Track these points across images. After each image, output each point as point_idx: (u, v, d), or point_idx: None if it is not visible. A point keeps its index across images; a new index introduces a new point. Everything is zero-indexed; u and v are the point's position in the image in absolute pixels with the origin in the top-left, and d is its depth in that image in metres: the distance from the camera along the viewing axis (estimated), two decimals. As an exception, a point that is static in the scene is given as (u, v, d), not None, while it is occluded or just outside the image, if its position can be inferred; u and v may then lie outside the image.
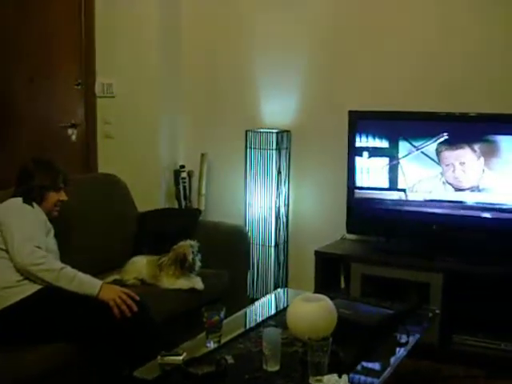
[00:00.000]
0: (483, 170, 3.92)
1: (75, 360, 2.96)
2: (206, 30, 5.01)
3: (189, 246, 3.69)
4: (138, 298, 3.12)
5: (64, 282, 3.03)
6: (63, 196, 3.47)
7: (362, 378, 2.65)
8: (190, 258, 3.65)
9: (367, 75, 4.48)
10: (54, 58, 5.29)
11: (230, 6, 4.91)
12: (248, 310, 3.37)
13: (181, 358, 2.57)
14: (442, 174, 4.04)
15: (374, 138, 4.21)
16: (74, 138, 5.25)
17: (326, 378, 2.38)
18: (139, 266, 3.75)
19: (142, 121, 4.99)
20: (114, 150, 5.10)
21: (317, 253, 4.25)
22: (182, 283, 3.65)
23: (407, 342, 2.90)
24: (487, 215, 3.93)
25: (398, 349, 2.87)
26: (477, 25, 4.15)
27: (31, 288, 3.05)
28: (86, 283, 3.07)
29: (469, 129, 3.99)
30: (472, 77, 4.17)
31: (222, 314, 2.81)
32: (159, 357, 2.58)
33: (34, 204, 3.32)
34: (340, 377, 2.37)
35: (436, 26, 4.26)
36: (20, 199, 3.29)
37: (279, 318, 3.08)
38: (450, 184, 4.03)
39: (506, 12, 4.06)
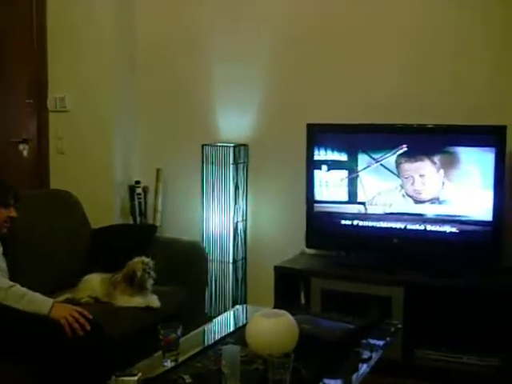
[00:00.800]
0: (443, 182, 3.90)
1: (31, 381, 2.83)
2: (161, 43, 4.95)
3: (140, 263, 3.58)
4: (90, 316, 3.03)
5: (13, 300, 2.93)
6: (13, 212, 3.36)
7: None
8: (139, 274, 3.55)
9: (326, 88, 4.46)
10: (6, 73, 5.18)
11: (187, 18, 4.85)
12: (206, 327, 3.28)
13: (136, 378, 2.45)
14: (401, 186, 4.01)
15: (333, 151, 4.17)
16: (25, 153, 5.14)
17: (287, 396, 2.29)
18: (93, 283, 3.64)
19: (95, 136, 4.90)
20: (67, 166, 5.00)
21: (276, 268, 4.18)
22: (137, 301, 3.54)
23: (370, 358, 2.83)
24: (448, 227, 3.90)
25: (360, 365, 2.80)
26: (438, 39, 4.15)
27: (-23, 307, 2.93)
28: (36, 301, 2.97)
29: (428, 141, 3.98)
30: (431, 89, 4.17)
31: (179, 332, 2.71)
32: (113, 377, 2.47)
33: (-17, 221, 3.21)
34: (303, 394, 2.29)
35: (397, 40, 4.25)
36: (-33, 216, 3.17)
37: (238, 335, 2.98)
38: (410, 196, 4.00)
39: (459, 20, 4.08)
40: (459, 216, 3.88)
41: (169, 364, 2.66)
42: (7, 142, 5.16)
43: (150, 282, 3.60)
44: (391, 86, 4.26)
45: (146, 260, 3.62)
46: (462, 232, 3.87)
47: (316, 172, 4.20)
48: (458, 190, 3.87)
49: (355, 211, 4.13)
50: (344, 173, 4.14)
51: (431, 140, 3.96)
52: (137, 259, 3.63)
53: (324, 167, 4.18)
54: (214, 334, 3.21)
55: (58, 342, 2.89)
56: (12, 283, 2.99)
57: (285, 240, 4.60)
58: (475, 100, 4.03)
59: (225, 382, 2.43)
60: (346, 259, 4.24)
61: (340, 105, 4.39)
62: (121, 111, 4.95)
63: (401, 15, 4.23)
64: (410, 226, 4.00)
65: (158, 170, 4.85)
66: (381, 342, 3.02)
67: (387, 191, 4.05)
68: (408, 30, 4.22)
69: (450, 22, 4.11)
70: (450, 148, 3.87)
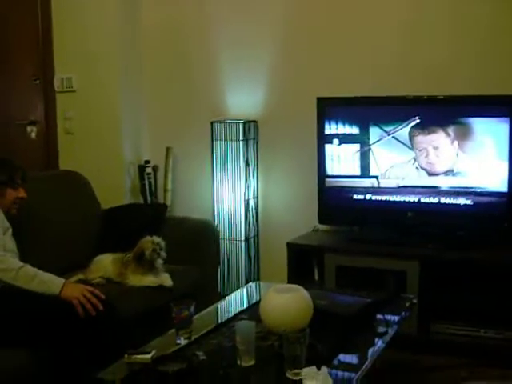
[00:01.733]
0: (457, 154, 3.84)
1: (36, 365, 2.79)
2: (169, 21, 4.89)
3: (149, 242, 3.56)
4: (103, 296, 3.01)
5: (23, 281, 2.90)
6: (22, 193, 3.35)
7: (341, 370, 2.53)
8: (147, 253, 3.52)
9: (335, 61, 4.39)
10: (11, 54, 5.15)
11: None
12: (219, 304, 3.26)
13: (149, 356, 2.45)
14: (415, 159, 3.95)
15: (344, 124, 4.11)
16: (33, 135, 5.10)
17: (304, 371, 2.26)
18: (104, 264, 3.62)
19: (103, 115, 4.85)
20: (76, 147, 4.95)
21: (289, 245, 4.14)
22: (150, 280, 3.53)
23: (386, 333, 2.81)
24: (462, 200, 3.84)
25: (376, 339, 2.78)
26: (446, 8, 4.07)
27: (-13, 289, 2.91)
28: (47, 282, 2.95)
29: (441, 112, 3.91)
30: (443, 59, 4.10)
31: (192, 309, 2.69)
32: (126, 356, 2.45)
33: (-9, 202, 3.19)
34: (319, 369, 2.24)
35: (406, 11, 4.18)
36: (-25, 197, 3.16)
37: (252, 311, 2.96)
38: (423, 169, 3.94)
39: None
40: (474, 187, 3.82)
41: (182, 341, 2.64)
42: (14, 124, 5.14)
43: (160, 261, 3.58)
44: (402, 58, 4.20)
45: (157, 240, 3.60)
46: (476, 204, 3.81)
47: (327, 146, 4.14)
48: (473, 162, 3.81)
49: (368, 185, 4.08)
50: (356, 146, 4.08)
51: (444, 111, 3.89)
52: (147, 238, 3.60)
53: (335, 141, 4.12)
54: (228, 311, 3.17)
55: (71, 323, 2.86)
56: (22, 264, 2.97)
57: (297, 216, 4.55)
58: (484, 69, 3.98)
59: (239, 359, 2.41)
60: (359, 234, 4.19)
61: (350, 78, 4.33)
62: (128, 90, 4.89)
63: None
64: (423, 200, 3.94)
65: (167, 149, 4.81)
66: (396, 317, 3.00)
67: (400, 164, 3.99)
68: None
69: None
70: (464, 119, 3.80)
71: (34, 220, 3.63)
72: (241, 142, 4.47)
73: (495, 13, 3.95)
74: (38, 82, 5.04)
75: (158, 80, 4.97)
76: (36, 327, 2.83)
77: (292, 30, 4.50)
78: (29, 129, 5.10)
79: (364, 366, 2.51)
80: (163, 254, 3.58)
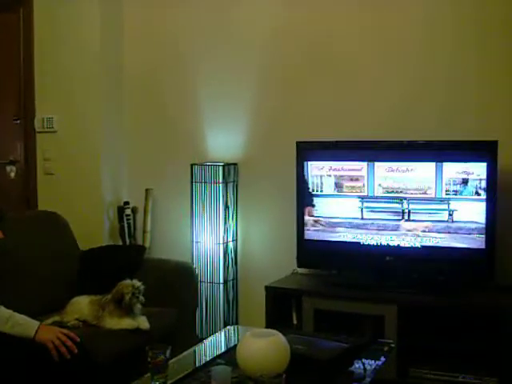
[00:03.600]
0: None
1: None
2: (148, 63, 4.94)
3: (129, 286, 3.52)
4: (78, 339, 2.96)
5: (-3, 323, 2.85)
6: (-1, 234, 3.29)
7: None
8: (128, 297, 3.49)
9: (314, 106, 4.44)
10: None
11: (173, 38, 4.83)
12: (196, 348, 3.21)
13: (124, 401, 2.40)
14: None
15: (323, 168, 4.11)
16: (12, 175, 5.08)
17: (280, 417, 2.23)
18: (81, 306, 3.59)
19: (83, 156, 4.86)
20: (55, 187, 4.94)
21: (267, 288, 4.12)
22: (126, 323, 3.48)
23: (364, 378, 2.77)
24: (443, 243, 3.86)
25: (354, 385, 2.75)
26: (425, 48, 4.17)
27: (-40, 332, 2.86)
28: (22, 324, 2.90)
29: (418, 155, 3.93)
30: (419, 105, 4.16)
31: (168, 353, 2.64)
32: (100, 401, 2.41)
33: (-32, 242, 3.15)
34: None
35: (382, 54, 4.26)
36: (-50, 237, 3.12)
37: (229, 356, 2.91)
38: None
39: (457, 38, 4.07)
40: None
41: (157, 387, 2.60)
42: (-7, 163, 5.12)
43: (138, 306, 3.54)
44: (380, 103, 4.26)
45: (137, 284, 3.56)
46: (456, 249, 3.83)
47: (306, 189, 4.15)
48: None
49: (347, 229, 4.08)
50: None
51: (421, 154, 3.93)
52: (127, 282, 3.57)
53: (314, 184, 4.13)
54: (205, 355, 3.14)
55: (45, 366, 2.82)
56: (-4, 305, 2.93)
57: (276, 259, 4.54)
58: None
59: (215, 405, 2.38)
60: (338, 278, 4.17)
61: (329, 122, 4.38)
62: (108, 131, 4.90)
63: (389, 37, 4.25)
64: (402, 244, 3.95)
65: (146, 191, 4.80)
66: (375, 362, 2.96)
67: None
68: (394, 53, 4.24)
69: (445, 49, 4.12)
70: (441, 164, 3.83)
71: (11, 261, 3.60)
72: (220, 185, 4.48)
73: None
74: (18, 121, 5.04)
75: (138, 122, 4.99)
76: (10, 370, 2.78)
77: (272, 75, 4.55)
78: (8, 168, 5.08)
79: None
80: (142, 298, 3.54)
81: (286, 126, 4.51)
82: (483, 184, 3.74)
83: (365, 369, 2.82)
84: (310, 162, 4.12)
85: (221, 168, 4.48)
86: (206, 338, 3.50)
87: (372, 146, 4.06)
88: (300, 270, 4.36)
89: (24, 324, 2.90)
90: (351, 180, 4.05)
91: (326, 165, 4.09)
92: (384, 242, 3.99)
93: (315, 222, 4.14)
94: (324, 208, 4.13)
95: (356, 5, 4.30)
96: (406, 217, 3.94)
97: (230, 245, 4.61)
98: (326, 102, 4.40)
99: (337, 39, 4.36)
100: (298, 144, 4.17)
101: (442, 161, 3.83)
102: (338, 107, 4.36)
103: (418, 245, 3.91)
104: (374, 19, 4.26)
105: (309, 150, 4.16)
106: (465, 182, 3.78)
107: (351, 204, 4.05)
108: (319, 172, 4.11)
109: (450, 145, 3.87)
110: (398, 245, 3.95)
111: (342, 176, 4.07)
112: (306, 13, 4.42)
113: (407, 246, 3.93)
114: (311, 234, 4.16)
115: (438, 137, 3.93)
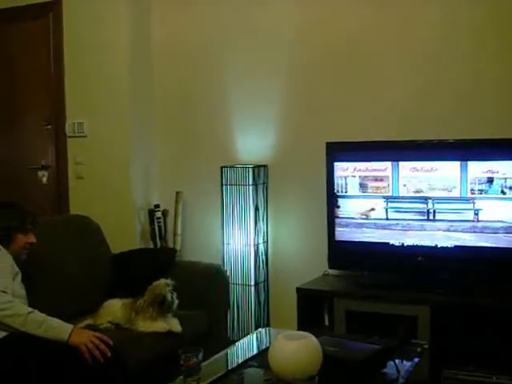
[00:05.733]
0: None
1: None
2: (178, 66, 4.97)
3: (165, 285, 3.55)
4: (111, 342, 2.98)
5: (31, 327, 2.88)
6: (32, 238, 3.37)
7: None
8: (169, 296, 3.51)
9: (345, 106, 4.41)
10: (23, 99, 5.22)
11: (202, 41, 4.85)
12: (228, 351, 3.22)
13: (157, 404, 2.42)
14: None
15: (354, 169, 4.10)
16: (44, 180, 5.16)
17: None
18: (113, 309, 3.61)
19: (114, 160, 4.89)
20: (87, 191, 4.99)
21: (299, 290, 4.11)
22: (159, 326, 3.50)
23: (397, 379, 2.76)
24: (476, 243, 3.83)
25: (387, 387, 2.74)
26: (445, 46, 4.13)
27: (-4, 335, 2.90)
28: (55, 328, 2.92)
29: (451, 155, 3.90)
30: (441, 104, 4.14)
31: (200, 356, 2.65)
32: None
33: (1, 247, 3.20)
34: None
35: (408, 54, 4.23)
36: (-14, 243, 3.16)
37: (261, 358, 2.92)
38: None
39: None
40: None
41: (190, 389, 2.61)
42: (26, 168, 5.19)
43: (176, 302, 3.57)
44: (403, 102, 4.24)
45: (169, 282, 3.60)
46: (490, 249, 3.79)
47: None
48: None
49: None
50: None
51: (454, 154, 3.89)
52: (161, 282, 3.59)
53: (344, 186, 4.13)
54: (237, 357, 3.14)
55: (79, 369, 2.84)
56: (31, 309, 2.95)
57: (307, 261, 4.53)
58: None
59: (248, 407, 2.39)
60: (369, 279, 4.15)
61: (360, 123, 4.35)
62: (138, 135, 4.93)
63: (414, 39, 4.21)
64: (434, 243, 3.92)
65: (177, 193, 4.82)
66: (407, 363, 2.95)
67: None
68: (417, 53, 4.20)
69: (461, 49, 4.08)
70: (478, 162, 3.80)
71: (44, 265, 3.63)
72: (251, 187, 4.48)
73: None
74: (49, 127, 5.09)
75: (167, 125, 5.01)
76: (44, 374, 2.81)
77: (301, 76, 4.54)
78: (40, 174, 5.15)
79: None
80: (176, 295, 3.58)
81: (314, 127, 4.50)
82: (509, 183, 3.72)
83: (398, 370, 2.81)
84: (336, 163, 4.11)
85: (251, 170, 4.48)
86: (237, 341, 3.51)
87: (397, 145, 4.05)
88: (331, 272, 4.35)
89: (57, 328, 2.93)
90: (376, 180, 4.04)
91: (351, 166, 4.08)
92: (410, 243, 3.96)
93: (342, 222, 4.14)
94: (349, 208, 4.13)
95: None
96: (431, 217, 3.92)
97: (261, 246, 4.61)
98: (352, 102, 4.37)
99: (363, 39, 4.33)
100: (328, 145, 4.16)
101: (467, 160, 3.81)
102: (364, 107, 4.34)
103: (448, 245, 3.88)
104: (406, 17, 4.23)
105: (338, 151, 4.15)
106: (490, 180, 3.76)
107: (376, 204, 4.04)
108: (343, 173, 4.11)
109: (474, 143, 3.84)
110: (430, 245, 3.92)
111: (366, 176, 4.06)
112: (332, 13, 4.41)
113: (438, 246, 3.90)
114: (341, 234, 4.15)
115: (462, 135, 3.90)
